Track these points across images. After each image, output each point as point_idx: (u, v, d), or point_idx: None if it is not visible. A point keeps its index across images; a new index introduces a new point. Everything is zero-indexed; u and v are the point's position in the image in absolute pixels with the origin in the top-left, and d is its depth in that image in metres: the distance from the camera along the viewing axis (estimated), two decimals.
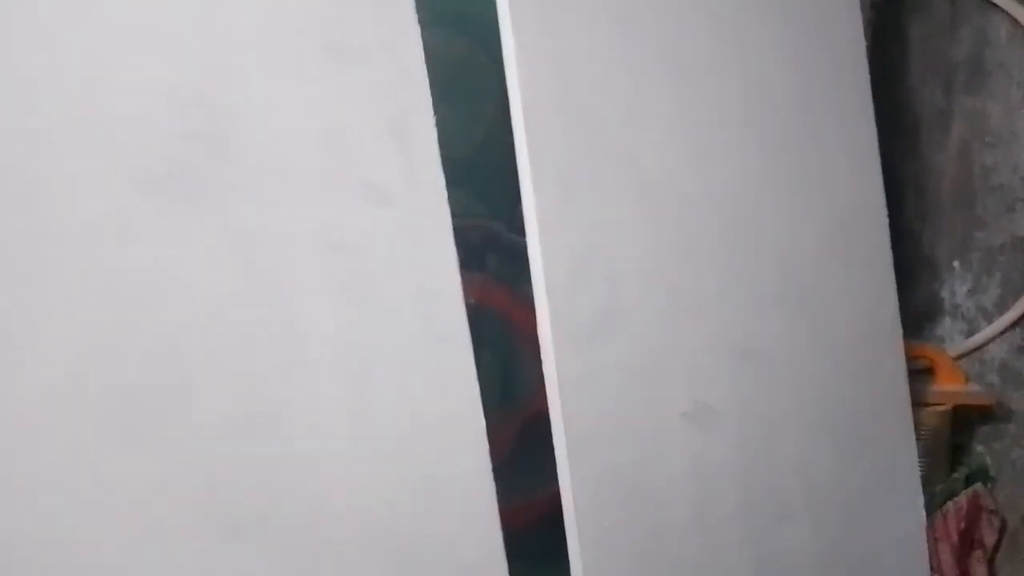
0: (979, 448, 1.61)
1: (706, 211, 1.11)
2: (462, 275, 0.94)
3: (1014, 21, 1.50)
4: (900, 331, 1.41)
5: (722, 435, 1.09)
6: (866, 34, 1.58)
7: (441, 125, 0.92)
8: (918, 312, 1.66)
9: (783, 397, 1.17)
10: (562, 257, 0.97)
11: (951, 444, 1.57)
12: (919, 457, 1.48)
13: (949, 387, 1.53)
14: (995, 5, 1.50)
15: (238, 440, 0.79)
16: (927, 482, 1.49)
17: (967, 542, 1.55)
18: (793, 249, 1.23)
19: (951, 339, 1.62)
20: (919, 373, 1.56)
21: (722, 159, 1.14)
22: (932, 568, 1.46)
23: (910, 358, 1.53)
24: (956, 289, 1.62)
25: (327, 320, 0.85)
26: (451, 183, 0.95)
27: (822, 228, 1.30)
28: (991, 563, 1.58)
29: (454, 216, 0.93)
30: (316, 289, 0.84)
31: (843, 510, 1.26)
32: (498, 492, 0.95)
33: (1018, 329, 1.55)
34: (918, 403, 1.51)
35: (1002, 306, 1.57)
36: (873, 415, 1.36)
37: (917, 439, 1.47)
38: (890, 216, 1.67)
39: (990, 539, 1.57)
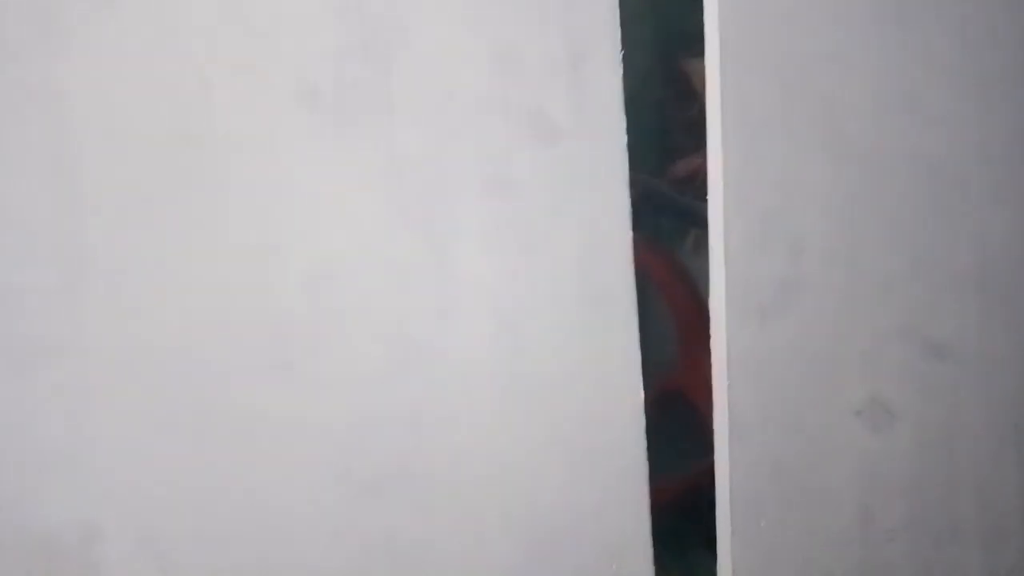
0: None
1: (906, 175, 0.97)
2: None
3: None
4: None
5: (897, 439, 0.96)
6: None
7: (629, 69, 0.82)
8: None
9: (968, 401, 1.03)
10: (744, 219, 0.86)
11: None
12: None
13: None
14: None
15: (381, 384, 0.73)
16: None
17: None
18: (997, 230, 1.08)
19: None
20: None
21: (931, 115, 0.99)
22: None
23: None
24: None
25: (481, 264, 0.77)
26: (636, 135, 0.84)
27: (1018, 215, 1.14)
28: None
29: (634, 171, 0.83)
30: (472, 229, 0.77)
31: (1018, 536, 1.11)
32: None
33: None
34: None
35: None
36: None
37: None
38: None
39: None
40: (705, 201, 0.88)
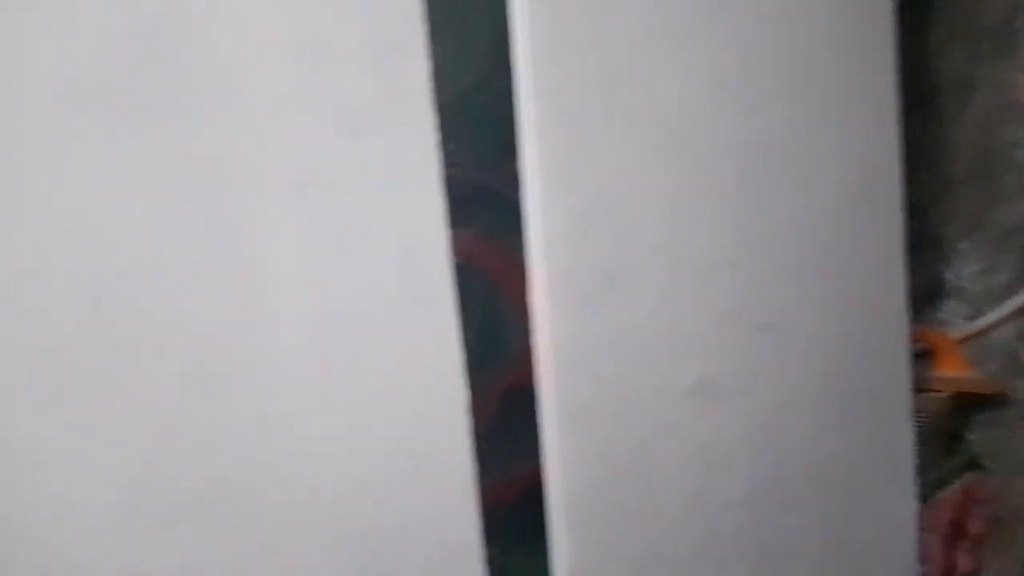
0: (974, 437, 1.55)
1: (726, 161, 1.00)
2: (452, 232, 0.83)
3: None
4: (907, 310, 1.33)
5: (729, 416, 1.00)
6: None
7: (438, 61, 0.80)
8: (922, 293, 1.58)
9: (793, 376, 1.08)
10: (565, 208, 0.86)
11: (948, 431, 1.50)
12: (916, 444, 1.41)
13: (951, 373, 1.46)
14: None
15: (183, 406, 0.68)
16: (922, 470, 1.43)
17: (956, 532, 1.50)
18: (812, 212, 1.13)
19: (954, 323, 1.55)
20: (919, 357, 1.49)
21: (744, 106, 1.02)
22: (920, 559, 1.40)
23: (911, 341, 1.46)
24: (963, 270, 1.54)
25: (292, 267, 0.73)
26: (448, 128, 0.82)
27: (838, 193, 1.20)
28: (979, 554, 1.53)
29: (448, 166, 0.81)
30: (280, 231, 0.73)
31: (842, 497, 1.18)
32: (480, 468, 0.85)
33: (1021, 315, 1.48)
34: (917, 388, 1.44)
35: (1011, 290, 1.49)
36: (876, 398, 1.28)
37: (915, 425, 1.40)
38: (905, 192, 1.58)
39: (979, 530, 1.52)
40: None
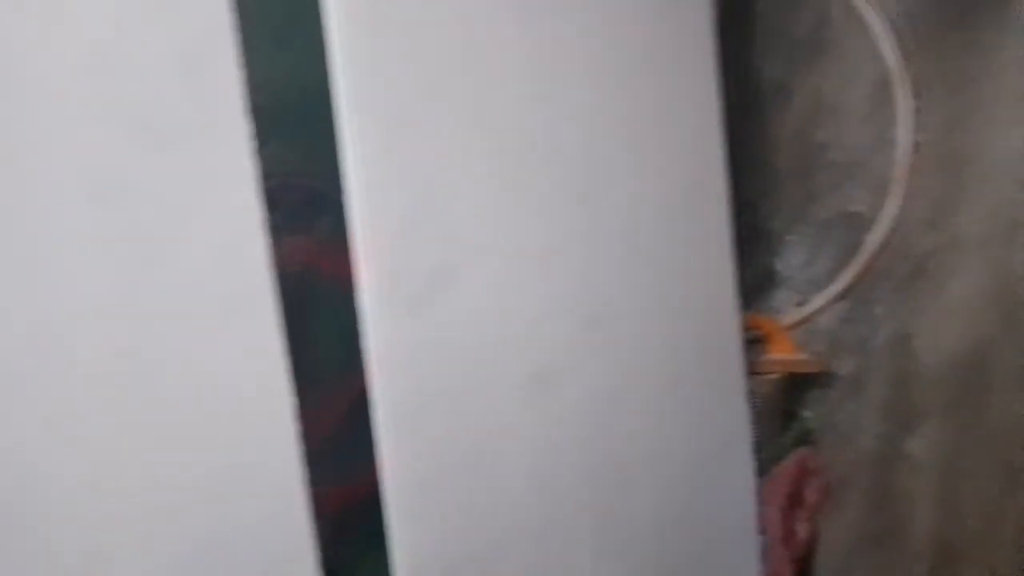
0: (807, 413, 1.68)
1: (551, 164, 1.06)
2: (288, 239, 0.84)
3: (850, 1, 1.54)
4: (736, 300, 1.43)
5: (563, 405, 1.06)
6: (714, 5, 1.58)
7: (252, 68, 0.80)
8: (753, 283, 1.70)
9: (625, 365, 1.15)
10: (387, 213, 0.89)
11: (782, 410, 1.63)
12: (752, 423, 1.52)
13: (780, 355, 1.58)
14: None
15: None
16: (758, 446, 1.54)
17: (793, 503, 1.62)
18: (637, 212, 1.21)
19: (784, 309, 1.68)
20: (752, 342, 1.60)
21: (567, 111, 1.09)
22: (759, 529, 1.52)
23: (744, 328, 1.57)
24: (790, 261, 1.67)
25: (90, 278, 0.72)
26: (269, 136, 0.83)
27: (665, 193, 1.29)
28: (814, 522, 1.66)
29: (273, 175, 0.82)
30: (77, 241, 0.71)
31: (681, 475, 1.27)
32: (323, 474, 0.87)
33: (846, 299, 1.62)
34: (751, 371, 1.56)
35: (832, 278, 1.63)
36: (711, 383, 1.38)
37: (750, 406, 1.51)
38: (730, 188, 1.70)
39: (814, 499, 1.65)
40: None
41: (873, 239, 1.55)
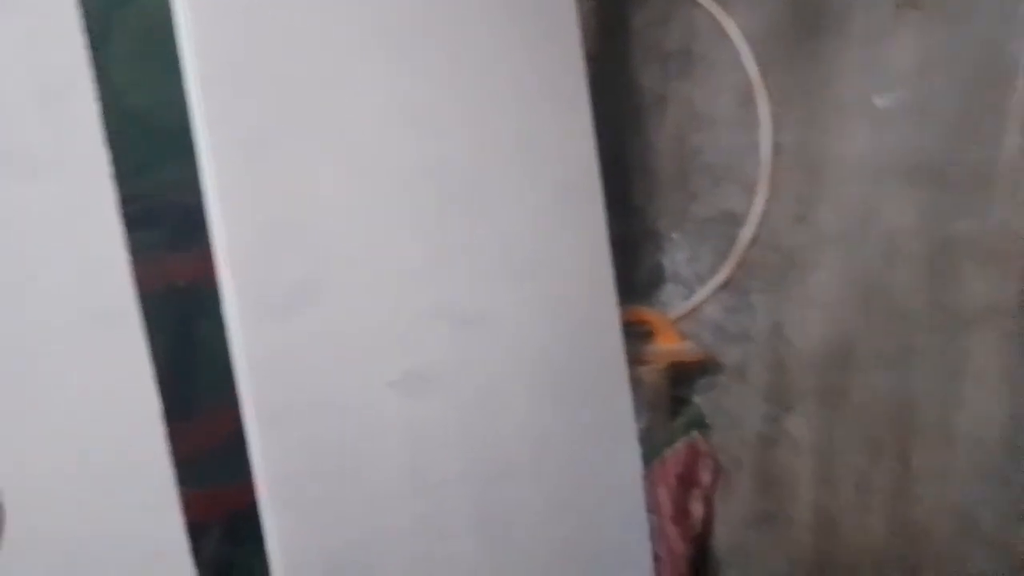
0: (697, 399, 1.80)
1: (423, 181, 1.15)
2: (154, 256, 0.90)
3: (714, 17, 1.66)
4: (615, 297, 1.54)
5: (437, 401, 1.14)
6: (590, 21, 1.70)
7: (110, 96, 0.86)
8: (645, 280, 1.82)
9: (505, 361, 1.24)
10: (248, 228, 0.97)
11: (672, 397, 1.74)
12: (643, 411, 1.64)
13: (667, 346, 1.70)
14: (698, 2, 1.66)
15: None
16: (650, 433, 1.66)
17: (686, 483, 1.74)
18: (514, 220, 1.31)
19: (673, 303, 1.80)
20: (642, 335, 1.72)
21: (438, 130, 1.17)
22: (652, 510, 1.63)
23: (633, 322, 1.69)
24: (676, 258, 1.79)
25: None
26: (130, 160, 0.90)
27: (541, 201, 1.39)
28: (709, 500, 1.78)
29: (135, 197, 0.90)
30: None
31: (566, 465, 1.36)
32: (198, 479, 0.93)
33: (727, 291, 1.74)
34: (640, 362, 1.67)
35: (714, 271, 1.75)
36: (594, 377, 1.48)
37: (639, 395, 1.62)
38: (619, 193, 1.82)
39: (707, 480, 1.77)
40: None
41: (745, 234, 1.67)
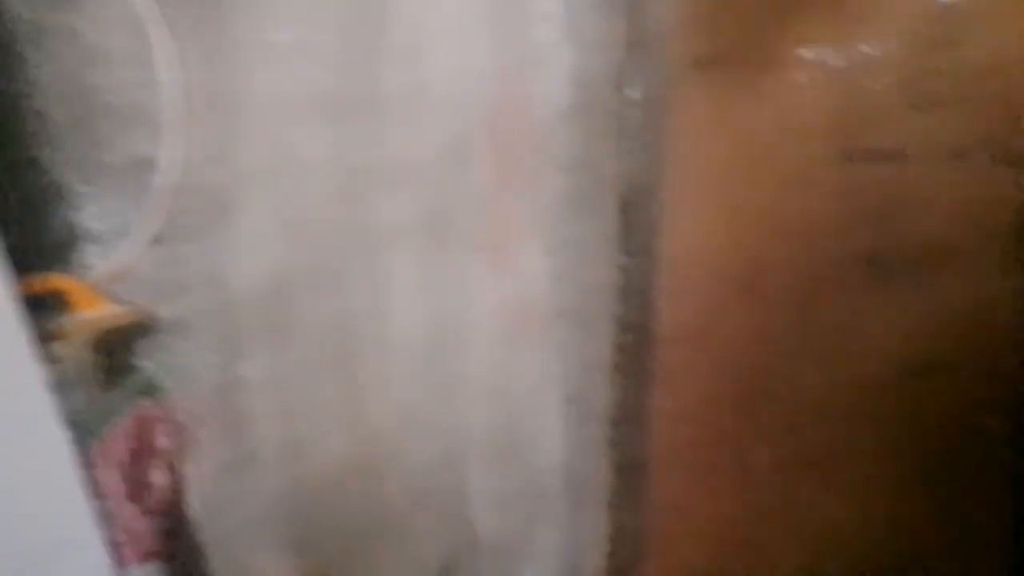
0: (145, 364, 1.67)
1: None
2: None
3: None
4: (7, 273, 1.32)
5: None
6: None
7: None
8: (57, 242, 1.60)
9: None
10: None
11: (110, 368, 1.58)
12: (69, 391, 1.45)
13: (89, 314, 1.52)
14: None
15: None
16: (84, 413, 1.48)
17: (143, 455, 1.61)
18: None
19: (95, 265, 1.61)
20: (58, 306, 1.51)
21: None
22: (101, 494, 1.47)
23: (42, 293, 1.47)
24: (90, 213, 1.60)
25: None
26: None
27: None
28: (175, 465, 1.69)
29: None
30: None
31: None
32: None
33: (154, 244, 1.61)
34: (57, 337, 1.47)
35: (135, 225, 1.60)
36: None
37: (61, 375, 1.43)
38: (12, 143, 1.55)
39: (168, 445, 1.67)
40: None
41: (162, 181, 1.56)
